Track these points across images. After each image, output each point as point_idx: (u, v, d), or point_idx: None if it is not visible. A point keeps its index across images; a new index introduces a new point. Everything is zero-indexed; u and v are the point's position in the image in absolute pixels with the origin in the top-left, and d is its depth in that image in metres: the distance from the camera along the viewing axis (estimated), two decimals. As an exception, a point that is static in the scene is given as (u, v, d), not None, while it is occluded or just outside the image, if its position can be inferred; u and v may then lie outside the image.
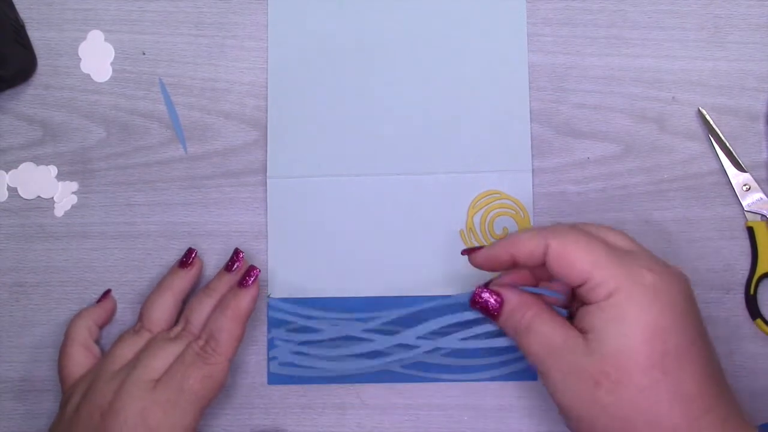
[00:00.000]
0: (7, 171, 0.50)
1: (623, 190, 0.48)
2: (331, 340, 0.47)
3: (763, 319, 0.47)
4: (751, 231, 0.47)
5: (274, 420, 0.48)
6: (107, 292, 0.48)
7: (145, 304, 0.47)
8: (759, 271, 0.47)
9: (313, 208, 0.49)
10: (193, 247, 0.48)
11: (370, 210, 0.49)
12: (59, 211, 0.49)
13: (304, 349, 0.48)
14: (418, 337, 0.45)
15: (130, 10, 0.51)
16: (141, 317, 0.46)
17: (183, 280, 0.47)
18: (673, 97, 0.49)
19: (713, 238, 0.48)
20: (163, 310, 0.46)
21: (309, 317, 0.48)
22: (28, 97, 0.50)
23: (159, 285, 0.47)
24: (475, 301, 0.40)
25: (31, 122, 0.50)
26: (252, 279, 0.45)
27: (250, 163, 0.49)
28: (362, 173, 0.49)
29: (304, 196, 0.49)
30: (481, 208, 0.48)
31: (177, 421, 0.42)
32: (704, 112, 0.48)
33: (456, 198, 0.48)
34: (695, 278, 0.47)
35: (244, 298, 0.45)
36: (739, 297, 0.47)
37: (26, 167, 0.50)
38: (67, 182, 0.50)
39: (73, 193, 0.50)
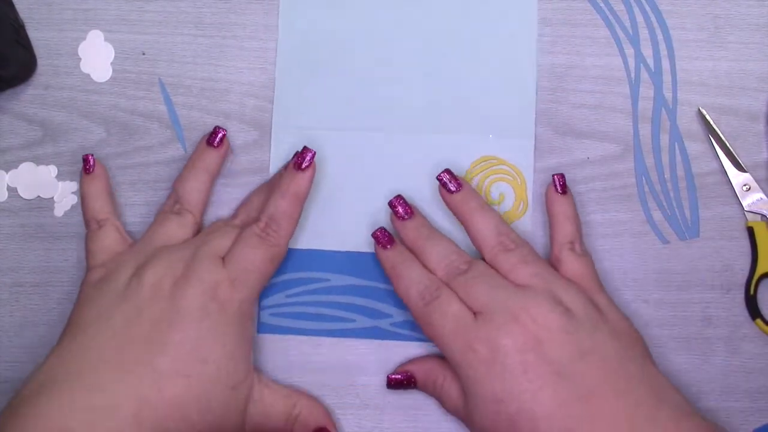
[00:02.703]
0: (7, 171, 0.50)
1: (623, 190, 0.48)
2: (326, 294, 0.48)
3: (763, 319, 0.47)
4: (751, 231, 0.47)
5: (274, 420, 0.48)
6: (88, 158, 0.48)
7: (183, 186, 0.47)
8: (759, 271, 0.47)
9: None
10: (219, 126, 0.48)
11: (369, 168, 0.49)
12: (59, 211, 0.49)
13: (297, 300, 0.48)
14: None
15: (130, 10, 0.51)
16: (180, 199, 0.47)
17: (216, 159, 0.48)
18: (673, 97, 0.49)
19: (713, 238, 0.48)
20: (202, 191, 0.47)
21: (308, 270, 0.48)
22: (28, 97, 0.50)
23: (194, 166, 0.47)
24: (390, 383, 0.46)
25: (31, 122, 0.50)
26: (309, 160, 0.46)
27: (250, 163, 0.49)
28: (366, 132, 0.49)
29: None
30: (478, 173, 0.49)
31: (245, 297, 0.43)
32: (704, 112, 0.48)
33: (455, 160, 0.49)
34: (695, 278, 0.47)
35: (302, 181, 0.45)
36: (739, 297, 0.47)
37: (26, 167, 0.50)
38: (67, 182, 0.50)
39: (73, 193, 0.50)
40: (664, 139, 0.49)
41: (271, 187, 0.47)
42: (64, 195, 0.50)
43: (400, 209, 0.46)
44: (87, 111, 0.50)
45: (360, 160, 0.49)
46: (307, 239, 0.48)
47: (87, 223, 0.47)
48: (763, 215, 0.47)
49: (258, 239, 0.44)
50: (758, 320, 0.47)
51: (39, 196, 0.50)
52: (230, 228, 0.45)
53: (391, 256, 0.46)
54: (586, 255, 0.45)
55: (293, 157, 0.47)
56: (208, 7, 0.50)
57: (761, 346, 0.47)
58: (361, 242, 0.48)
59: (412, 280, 0.44)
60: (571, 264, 0.44)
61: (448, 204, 0.46)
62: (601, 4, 0.50)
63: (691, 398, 0.45)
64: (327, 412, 0.46)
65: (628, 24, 0.49)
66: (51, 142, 0.50)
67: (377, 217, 0.48)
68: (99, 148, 0.50)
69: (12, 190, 0.50)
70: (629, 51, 0.49)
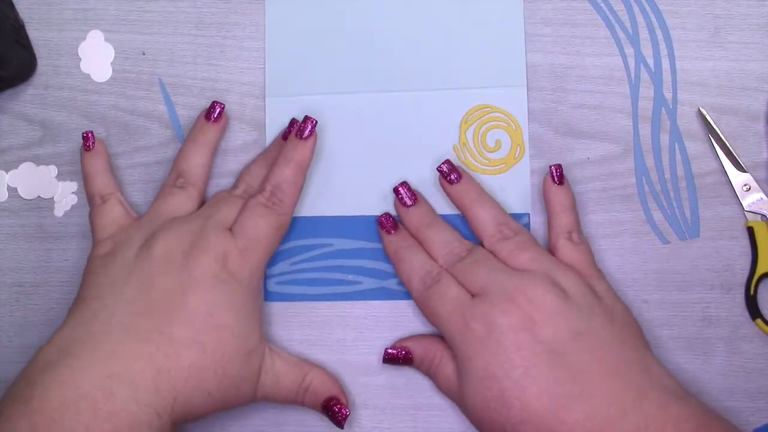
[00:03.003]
0: (7, 171, 0.50)
1: (623, 190, 0.48)
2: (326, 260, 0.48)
3: (763, 319, 0.47)
4: (751, 231, 0.47)
5: (275, 418, 0.48)
6: (88, 135, 0.48)
7: (185, 161, 0.47)
8: (759, 271, 0.47)
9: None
10: (218, 101, 0.48)
11: (364, 130, 0.49)
12: (59, 211, 0.49)
13: (302, 266, 0.48)
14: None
15: (130, 10, 0.51)
16: (183, 174, 0.47)
17: (216, 133, 0.48)
18: (673, 97, 0.49)
19: (713, 238, 0.48)
20: (205, 165, 0.48)
21: (310, 236, 0.48)
22: (28, 97, 0.50)
23: (194, 141, 0.48)
24: (386, 357, 0.46)
25: (31, 122, 0.50)
26: (310, 130, 0.46)
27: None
28: (359, 94, 0.49)
29: None
30: (473, 123, 0.49)
31: (254, 266, 0.44)
32: (704, 112, 0.48)
33: (449, 114, 0.49)
34: (695, 278, 0.47)
35: (305, 150, 0.46)
36: (739, 297, 0.47)
37: (26, 167, 0.50)
38: (67, 182, 0.50)
39: (73, 193, 0.50)
40: (664, 139, 0.49)
41: (267, 156, 0.48)
42: (64, 195, 0.50)
43: (404, 196, 0.47)
44: (87, 111, 0.50)
45: (355, 123, 0.49)
46: (308, 206, 0.49)
47: (91, 199, 0.47)
48: (763, 215, 0.47)
49: (264, 208, 0.45)
50: (758, 320, 0.47)
51: (39, 196, 0.50)
52: (235, 198, 0.46)
53: (395, 241, 0.46)
54: (583, 243, 0.46)
55: (289, 125, 0.48)
56: (208, 7, 0.50)
57: (761, 346, 0.47)
58: (361, 205, 0.48)
59: (414, 265, 0.45)
60: (569, 253, 0.45)
61: (448, 194, 0.47)
62: (601, 4, 0.50)
63: (691, 398, 0.45)
64: (338, 383, 0.46)
65: (628, 24, 0.49)
66: (51, 142, 0.50)
67: (375, 179, 0.49)
68: (99, 148, 0.50)
69: (12, 190, 0.50)
70: (629, 51, 0.49)
